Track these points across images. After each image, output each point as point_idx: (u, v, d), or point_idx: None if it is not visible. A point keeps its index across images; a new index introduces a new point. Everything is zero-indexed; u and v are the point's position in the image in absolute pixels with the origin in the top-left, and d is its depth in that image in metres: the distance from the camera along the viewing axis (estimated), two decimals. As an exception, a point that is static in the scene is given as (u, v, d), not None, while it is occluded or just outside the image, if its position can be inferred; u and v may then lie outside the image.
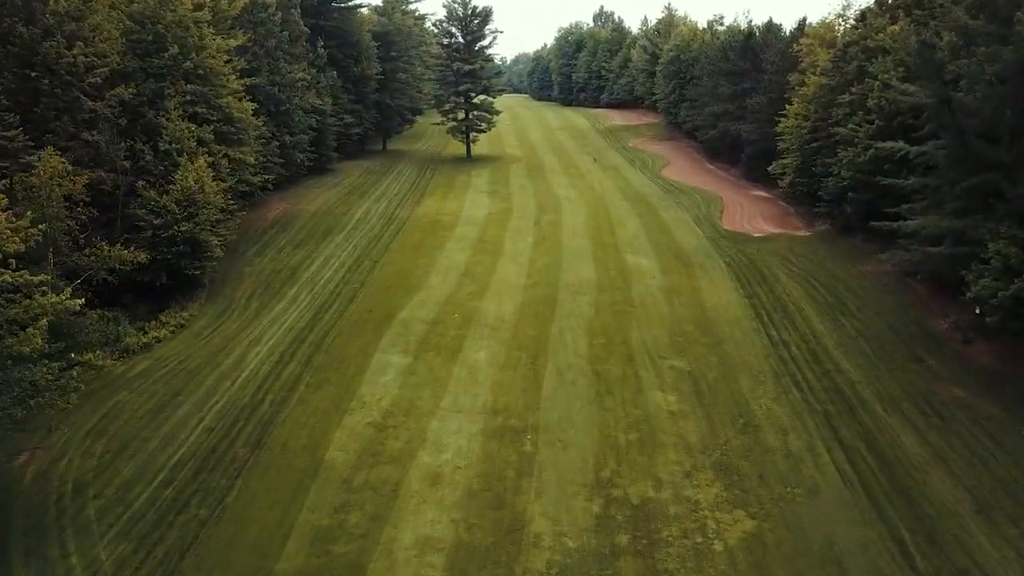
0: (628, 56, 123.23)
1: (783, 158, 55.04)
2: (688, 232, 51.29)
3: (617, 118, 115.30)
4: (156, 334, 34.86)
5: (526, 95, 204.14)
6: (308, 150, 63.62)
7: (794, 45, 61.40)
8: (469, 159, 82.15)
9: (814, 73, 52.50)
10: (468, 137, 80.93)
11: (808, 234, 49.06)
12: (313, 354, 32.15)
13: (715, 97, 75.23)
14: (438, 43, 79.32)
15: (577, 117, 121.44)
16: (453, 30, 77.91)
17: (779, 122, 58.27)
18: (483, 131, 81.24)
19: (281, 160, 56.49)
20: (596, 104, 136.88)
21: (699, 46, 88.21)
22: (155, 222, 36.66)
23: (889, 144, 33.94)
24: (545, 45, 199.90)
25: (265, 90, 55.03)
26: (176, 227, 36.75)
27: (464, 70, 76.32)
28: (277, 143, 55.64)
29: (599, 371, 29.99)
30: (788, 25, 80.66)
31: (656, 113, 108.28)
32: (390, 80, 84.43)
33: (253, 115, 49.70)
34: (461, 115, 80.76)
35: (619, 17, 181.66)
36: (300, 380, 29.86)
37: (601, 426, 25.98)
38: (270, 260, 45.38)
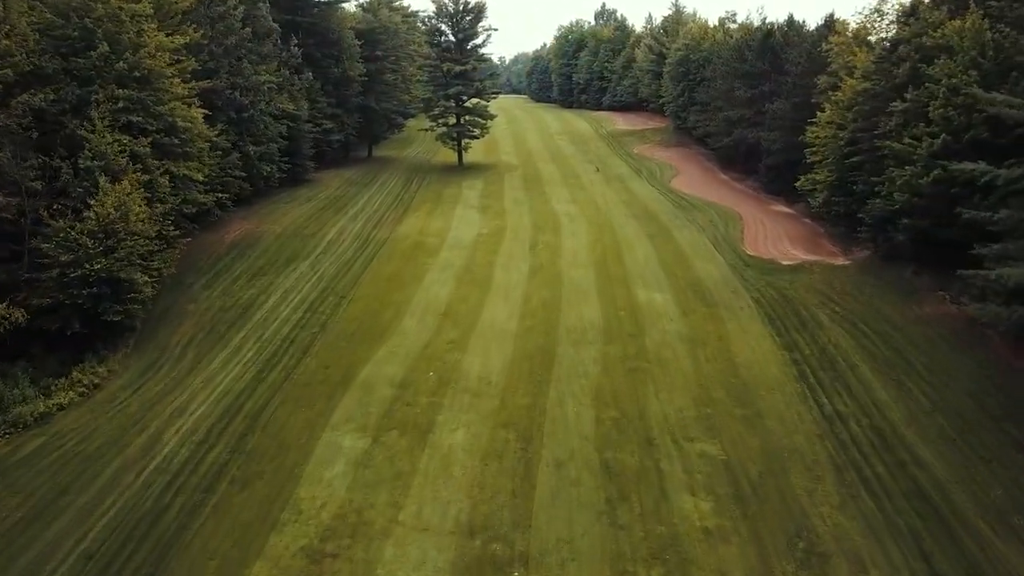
0: (632, 56, 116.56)
1: (813, 172, 48.33)
2: (707, 258, 44.60)
3: (620, 122, 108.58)
4: (60, 398, 28.28)
5: (525, 96, 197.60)
6: (279, 160, 56.99)
7: (822, 44, 54.71)
8: (461, 168, 75.46)
9: (850, 76, 45.79)
10: (460, 144, 74.22)
11: (847, 263, 42.33)
12: (247, 432, 25.46)
13: (729, 101, 68.58)
14: (427, 42, 72.57)
15: (578, 120, 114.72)
16: (443, 28, 71.21)
17: (806, 130, 51.79)
18: (476, 137, 74.53)
19: (244, 174, 49.84)
20: (598, 106, 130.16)
21: (710, 45, 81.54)
22: (62, 258, 29.94)
23: (969, 166, 27.24)
24: (544, 44, 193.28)
25: (224, 94, 48.35)
26: (89, 264, 30.05)
27: (455, 71, 69.62)
28: (238, 154, 48.97)
29: (609, 462, 23.29)
30: (810, 22, 74.20)
31: (662, 117, 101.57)
32: (375, 82, 77.69)
33: (207, 123, 43.20)
34: (452, 120, 74.05)
35: (622, 15, 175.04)
36: (224, 473, 23.18)
37: (614, 555, 19.30)
38: (220, 295, 38.66)
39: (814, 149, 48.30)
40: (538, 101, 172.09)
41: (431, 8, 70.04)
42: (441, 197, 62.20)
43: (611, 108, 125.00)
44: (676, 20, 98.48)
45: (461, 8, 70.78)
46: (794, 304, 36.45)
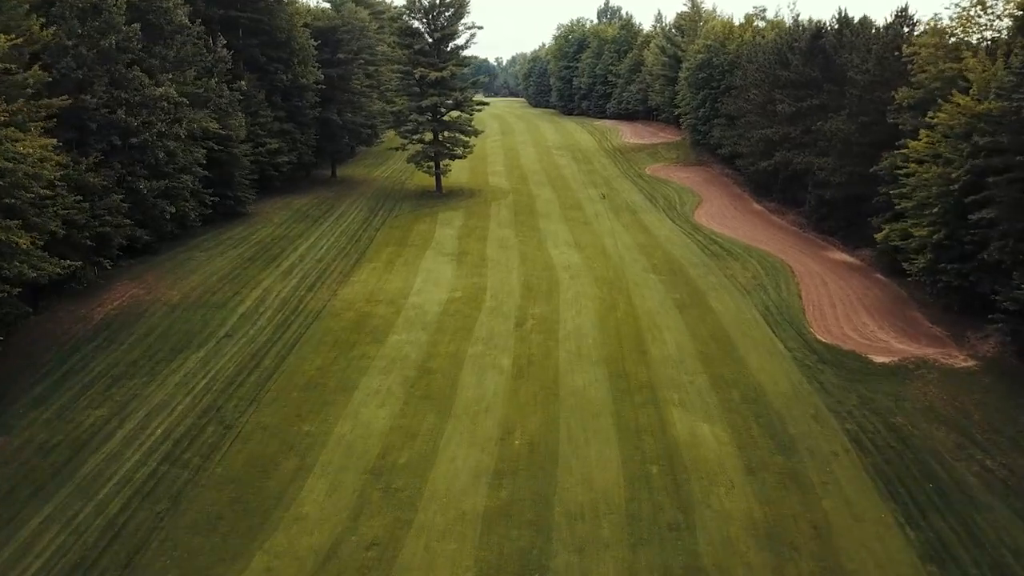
0: (640, 58, 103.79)
1: (904, 222, 35.61)
2: (763, 347, 31.79)
3: (628, 133, 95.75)
4: None
5: (522, 100, 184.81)
6: (201, 193, 44.44)
7: (900, 46, 41.93)
8: (438, 194, 62.67)
9: (956, 90, 33.01)
10: (437, 167, 61.41)
11: (969, 364, 29.41)
12: None
13: (766, 115, 55.85)
14: (397, 44, 59.73)
15: (579, 131, 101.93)
16: (416, 26, 58.32)
17: (881, 159, 39.33)
18: (459, 157, 61.68)
19: (131, 220, 37.18)
20: (601, 114, 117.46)
21: (737, 47, 68.79)
22: None
23: None
24: (543, 44, 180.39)
25: (99, 114, 35.57)
26: None
27: (431, 78, 56.76)
28: (121, 195, 36.21)
29: None
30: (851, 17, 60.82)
31: (676, 129, 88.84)
32: (338, 90, 64.99)
33: (72, 154, 30.71)
34: (428, 136, 61.22)
35: (627, 12, 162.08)
36: None
37: None
38: (52, 419, 25.86)
39: (904, 190, 35.50)
40: (536, 106, 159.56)
41: (400, 1, 57.50)
42: (408, 238, 49.36)
43: (616, 116, 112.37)
44: (693, 17, 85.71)
45: (438, 2, 57.91)
46: (915, 449, 23.65)
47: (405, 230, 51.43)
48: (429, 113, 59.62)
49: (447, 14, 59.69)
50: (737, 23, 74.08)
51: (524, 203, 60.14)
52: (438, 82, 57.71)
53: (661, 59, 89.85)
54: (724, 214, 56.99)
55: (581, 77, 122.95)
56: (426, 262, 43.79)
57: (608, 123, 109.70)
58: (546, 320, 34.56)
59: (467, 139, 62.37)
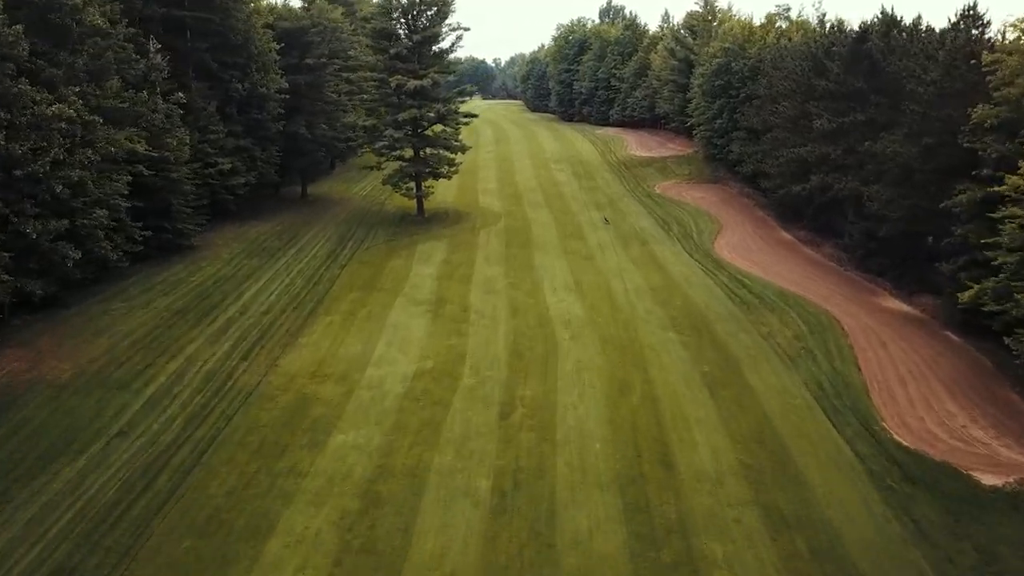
0: (646, 61, 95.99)
1: (999, 278, 27.83)
2: (825, 455, 23.97)
3: (634, 144, 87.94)
4: None
5: (520, 103, 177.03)
6: (130, 227, 37.01)
7: (979, 54, 34.10)
8: (420, 219, 54.91)
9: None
10: (419, 189, 53.64)
11: (1117, 488, 21.61)
12: None
13: (799, 131, 48.12)
14: (371, 47, 51.83)
15: (580, 141, 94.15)
16: (392, 27, 50.40)
17: (951, 190, 31.91)
18: (444, 177, 53.88)
19: (21, 269, 29.46)
20: (604, 121, 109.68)
21: (759, 51, 60.97)
22: None
23: None
24: (543, 45, 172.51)
25: (-33, 140, 27.83)
26: None
27: (409, 87, 48.94)
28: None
29: None
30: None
31: (686, 139, 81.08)
32: (307, 99, 57.23)
33: None
34: (408, 153, 53.44)
35: (632, 12, 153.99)
36: None
37: None
38: None
39: (1001, 239, 27.73)
40: (534, 110, 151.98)
41: (377, -2, 49.63)
42: (377, 279, 41.59)
43: (620, 124, 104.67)
44: (706, 17, 77.80)
45: (418, 0, 50.08)
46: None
47: (375, 267, 43.63)
48: (408, 127, 51.79)
49: (429, 14, 51.94)
50: (757, 23, 66.22)
51: (518, 230, 52.30)
52: (418, 92, 49.91)
53: (670, 63, 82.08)
54: (748, 245, 49.20)
55: (582, 81, 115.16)
56: (395, 314, 35.95)
57: (611, 131, 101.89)
58: (539, 408, 26.74)
59: (452, 156, 54.59)
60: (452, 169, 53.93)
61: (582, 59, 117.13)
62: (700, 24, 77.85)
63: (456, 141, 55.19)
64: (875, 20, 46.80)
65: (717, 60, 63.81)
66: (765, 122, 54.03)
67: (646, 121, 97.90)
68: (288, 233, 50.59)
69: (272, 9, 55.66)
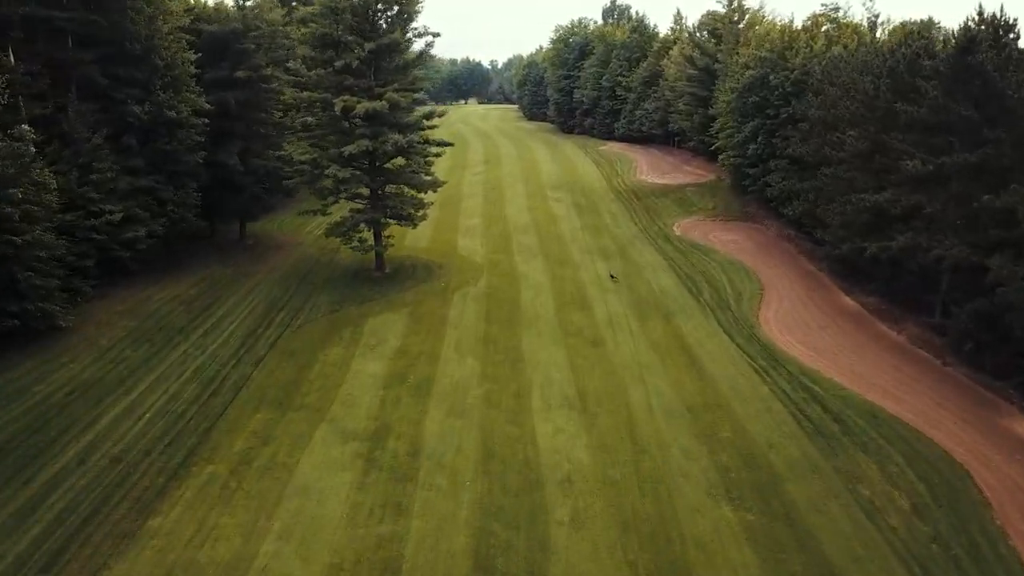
0: (657, 68, 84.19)
1: None
2: None
3: (644, 166, 76.08)
4: None
5: (517, 108, 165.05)
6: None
7: None
8: (379, 274, 43.13)
9: None
10: (378, 240, 41.86)
11: None
12: None
13: (872, 171, 36.47)
14: (310, 60, 39.82)
15: (581, 159, 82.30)
16: (341, 34, 38.39)
17: None
18: (408, 222, 41.99)
19: None
20: (609, 135, 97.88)
21: (805, 61, 49.20)
22: None
23: None
24: (541, 47, 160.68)
25: None
26: None
27: (360, 111, 37.04)
28: None
29: None
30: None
31: (707, 160, 69.32)
32: (241, 122, 45.56)
33: None
34: (363, 192, 41.66)
35: (640, 12, 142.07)
36: None
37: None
38: None
39: None
40: (531, 118, 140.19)
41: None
42: (299, 386, 29.72)
43: (627, 139, 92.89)
44: (731, 17, 65.88)
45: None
46: None
47: (302, 362, 31.82)
48: (363, 161, 40.00)
49: (389, 14, 40.14)
50: (797, 26, 54.36)
51: (503, 293, 40.52)
52: (372, 116, 38.07)
53: (687, 71, 70.31)
54: (804, 318, 37.41)
55: (583, 89, 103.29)
56: (308, 465, 24.09)
57: (617, 147, 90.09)
58: None
59: (421, 196, 42.84)
60: (420, 213, 42.09)
61: (583, 65, 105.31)
62: (723, 27, 65.99)
63: (427, 175, 43.41)
64: (972, 23, 34.92)
65: (750, 72, 52.03)
66: (819, 153, 42.33)
67: (657, 137, 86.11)
68: (204, 299, 38.85)
69: (189, 9, 43.80)
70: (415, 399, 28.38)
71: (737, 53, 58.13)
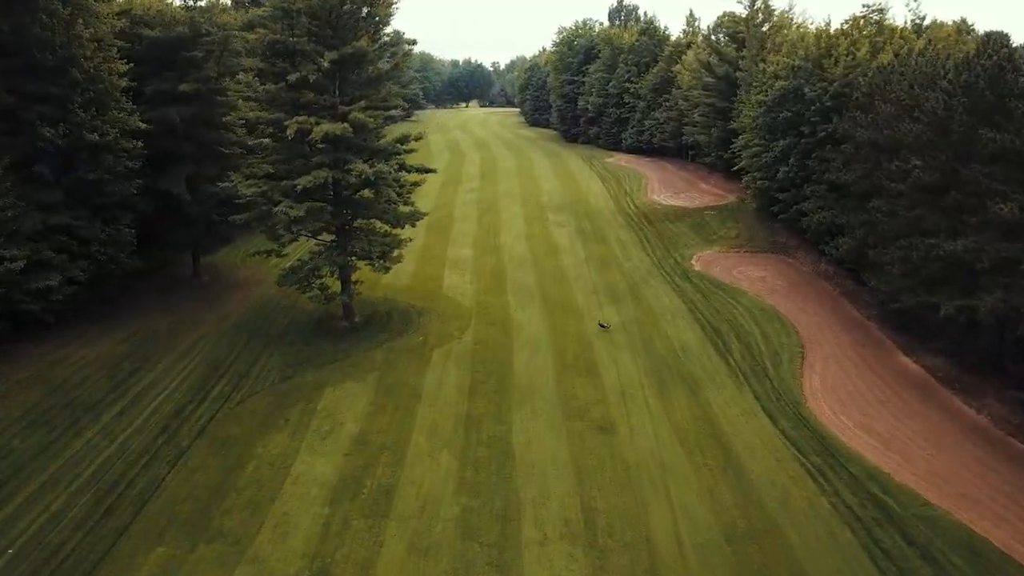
0: (669, 74, 77.36)
1: None
2: None
3: (656, 183, 69.23)
4: None
5: (519, 111, 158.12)
6: None
7: None
8: (346, 324, 36.41)
9: None
10: (344, 289, 35.08)
11: None
12: None
13: (944, 210, 29.72)
14: (261, 71, 33.16)
15: (587, 175, 75.48)
16: (298, 41, 31.63)
17: None
18: (381, 266, 35.08)
19: None
20: (615, 145, 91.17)
21: (845, 71, 42.36)
22: None
23: None
24: (544, 49, 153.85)
25: None
26: None
27: (317, 135, 30.25)
28: None
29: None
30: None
31: (726, 177, 62.55)
32: (188, 142, 38.89)
33: None
34: (326, 229, 34.92)
35: (649, 13, 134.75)
36: None
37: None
38: None
39: None
40: (532, 124, 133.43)
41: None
42: (220, 501, 22.96)
43: (636, 151, 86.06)
44: (754, 19, 58.95)
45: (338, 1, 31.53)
46: None
47: (233, 459, 25.09)
48: (332, 193, 33.31)
49: (360, 15, 33.43)
50: (832, 31, 47.34)
51: (493, 353, 33.77)
52: (334, 140, 31.37)
53: (704, 79, 63.48)
54: (860, 389, 30.60)
55: (588, 96, 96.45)
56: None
57: (624, 160, 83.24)
58: None
59: (397, 232, 36.17)
60: (395, 254, 35.38)
61: (588, 69, 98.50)
62: (746, 30, 59.08)
63: (406, 204, 36.66)
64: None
65: (781, 83, 45.21)
66: (869, 181, 35.56)
67: (668, 150, 79.27)
68: (132, 360, 32.24)
69: (126, 12, 37.12)
70: (369, 523, 21.64)
71: (763, 60, 51.32)
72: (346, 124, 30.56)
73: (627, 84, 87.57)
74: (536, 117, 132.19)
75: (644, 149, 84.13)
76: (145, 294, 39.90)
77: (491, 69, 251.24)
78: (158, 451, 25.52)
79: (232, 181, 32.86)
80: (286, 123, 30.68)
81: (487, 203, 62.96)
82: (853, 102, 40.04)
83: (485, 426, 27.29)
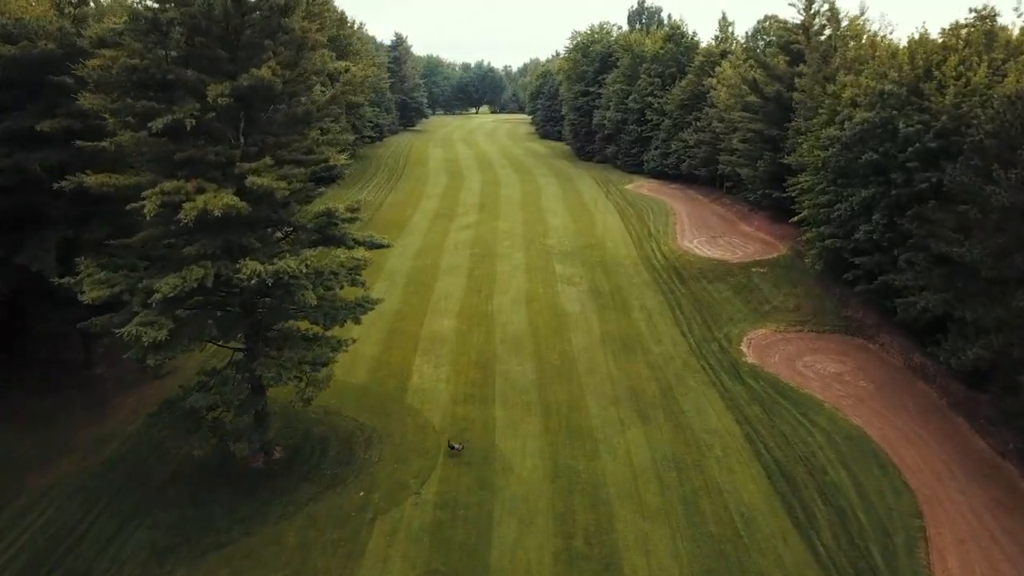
0: (700, 88, 66.17)
1: None
2: None
3: (687, 221, 57.96)
4: None
5: (531, 121, 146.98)
6: None
7: None
8: (260, 465, 25.65)
9: None
10: (261, 423, 24.34)
11: None
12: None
13: None
14: (119, 109, 22.75)
15: (603, 207, 64.43)
16: (169, 71, 21.04)
17: None
18: (306, 395, 24.14)
19: None
20: (636, 168, 79.99)
21: (956, 98, 31.06)
22: None
23: None
24: (557, 54, 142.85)
25: None
26: None
27: (193, 215, 19.53)
28: None
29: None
30: None
31: (771, 217, 51.34)
32: (59, 197, 28.27)
33: None
34: (237, 343, 24.18)
35: (675, 16, 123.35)
36: None
37: None
38: None
39: None
40: (543, 136, 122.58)
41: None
42: None
43: (659, 175, 74.94)
44: (815, 28, 47.50)
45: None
46: None
47: None
48: (215, 296, 22.62)
49: (276, 27, 22.66)
50: (932, 41, 35.94)
51: (461, 527, 22.93)
52: (220, 222, 20.57)
53: (746, 98, 52.22)
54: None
55: (605, 110, 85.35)
56: None
57: (647, 187, 72.10)
58: None
59: (333, 336, 25.44)
60: (324, 372, 24.60)
61: (605, 80, 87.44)
62: (803, 40, 47.66)
63: (354, 282, 25.78)
64: None
65: (862, 113, 33.96)
66: (1010, 262, 24.40)
67: (699, 177, 68.01)
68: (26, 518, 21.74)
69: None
70: None
71: (830, 81, 40.09)
72: (235, 197, 19.80)
73: (650, 98, 76.34)
74: (547, 129, 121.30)
75: (670, 175, 72.94)
76: (13, 395, 29.56)
77: (503, 73, 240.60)
78: None
79: (82, 270, 22.01)
80: (144, 194, 19.99)
81: (483, 247, 52.11)
82: (972, 144, 28.87)
83: None
